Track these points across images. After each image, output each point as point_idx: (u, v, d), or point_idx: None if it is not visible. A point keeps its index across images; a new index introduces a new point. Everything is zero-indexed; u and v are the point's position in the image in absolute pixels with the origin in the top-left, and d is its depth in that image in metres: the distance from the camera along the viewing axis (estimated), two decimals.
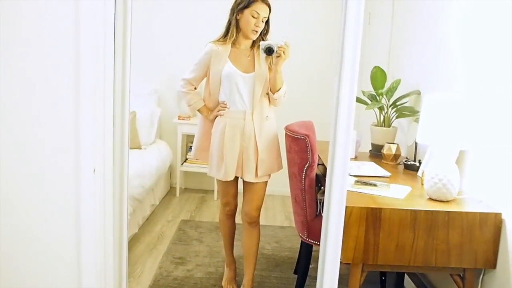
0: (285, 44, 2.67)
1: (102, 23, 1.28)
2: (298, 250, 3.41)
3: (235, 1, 2.82)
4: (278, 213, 4.78)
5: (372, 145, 3.51)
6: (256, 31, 2.80)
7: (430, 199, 2.38)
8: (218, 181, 3.00)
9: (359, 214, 2.22)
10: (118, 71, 1.31)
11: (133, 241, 3.76)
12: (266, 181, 2.99)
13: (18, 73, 1.23)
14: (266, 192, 3.02)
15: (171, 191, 5.27)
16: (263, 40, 2.86)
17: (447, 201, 2.34)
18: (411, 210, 2.22)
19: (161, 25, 5.20)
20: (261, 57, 2.76)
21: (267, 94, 2.85)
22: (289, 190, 2.98)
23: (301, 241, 3.07)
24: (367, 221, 2.22)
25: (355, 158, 3.36)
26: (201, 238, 3.95)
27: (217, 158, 2.90)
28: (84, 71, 1.24)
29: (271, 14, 2.82)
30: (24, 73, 1.23)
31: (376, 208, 2.22)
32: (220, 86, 2.88)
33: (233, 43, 2.87)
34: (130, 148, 4.41)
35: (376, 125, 3.48)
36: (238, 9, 2.79)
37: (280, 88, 2.81)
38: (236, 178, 2.96)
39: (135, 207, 3.65)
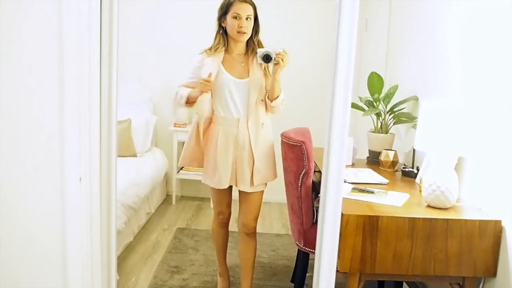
0: (283, 51, 2.61)
1: (87, 29, 1.24)
2: (295, 258, 3.37)
3: (218, 12, 2.79)
4: (275, 221, 4.73)
5: (369, 151, 3.47)
6: (243, 32, 2.71)
7: (429, 206, 2.34)
8: (212, 189, 2.94)
9: (356, 223, 2.17)
10: (104, 78, 1.27)
11: (127, 250, 3.70)
12: (262, 190, 2.92)
13: None
14: (263, 200, 2.97)
15: (167, 199, 5.22)
16: (254, 42, 2.80)
17: (446, 209, 2.30)
18: (409, 218, 2.18)
19: (155, 32, 5.17)
20: (257, 62, 2.68)
21: (263, 100, 2.78)
22: (285, 197, 2.94)
23: (298, 249, 3.02)
24: (364, 229, 2.18)
25: (352, 165, 3.31)
26: (197, 246, 3.90)
27: (211, 166, 2.83)
28: (68, 78, 1.20)
29: (258, 11, 2.76)
30: (5, 81, 1.19)
31: (373, 216, 2.17)
32: (214, 93, 2.81)
33: (226, 50, 2.82)
34: (125, 156, 4.44)
35: (373, 132, 3.44)
36: (220, 18, 2.77)
37: (278, 96, 2.74)
38: (230, 186, 2.90)
39: (130, 216, 3.60)
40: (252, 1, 2.75)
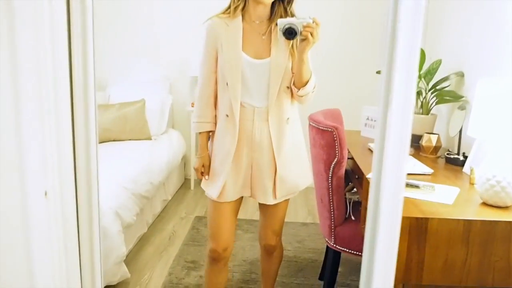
0: (313, 23, 1.91)
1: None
2: (324, 251, 3.04)
3: None
4: (300, 207, 4.39)
5: None
6: None
7: (485, 204, 1.98)
8: (210, 204, 2.24)
9: (400, 226, 1.82)
10: (77, 54, 0.93)
11: (141, 243, 3.42)
12: (288, 199, 2.31)
13: None
14: None
15: (185, 183, 4.92)
16: (283, 8, 2.08)
17: (506, 207, 1.94)
18: (464, 220, 1.82)
19: (168, 4, 4.79)
20: (281, 38, 1.98)
21: (288, 88, 2.11)
22: (312, 180, 2.59)
23: (327, 246, 2.69)
24: (410, 234, 1.83)
25: None
26: None
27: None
28: (24, 54, 0.87)
29: None
30: None
31: (421, 218, 1.82)
32: (219, 77, 2.14)
33: (243, 16, 2.10)
34: (139, 139, 4.13)
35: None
36: None
37: (307, 82, 2.05)
38: (238, 203, 2.26)
39: (143, 206, 3.30)
40: None
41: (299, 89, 2.05)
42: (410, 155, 2.83)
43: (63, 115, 0.97)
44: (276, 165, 2.13)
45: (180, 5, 4.73)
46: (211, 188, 2.19)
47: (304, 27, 1.91)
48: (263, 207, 2.31)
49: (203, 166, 2.22)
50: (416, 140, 2.95)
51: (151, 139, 4.23)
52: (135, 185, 3.19)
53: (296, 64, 2.03)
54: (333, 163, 2.37)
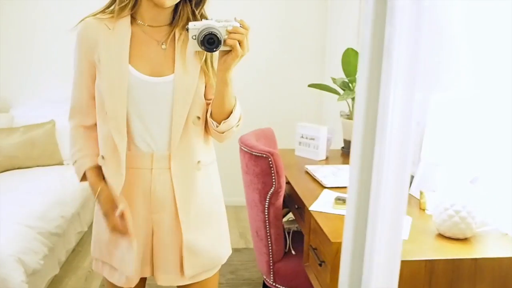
0: (241, 26, 1.39)
1: None
2: (261, 283, 2.75)
3: None
4: (231, 230, 4.06)
5: (345, 141, 2.97)
6: None
7: (441, 235, 1.76)
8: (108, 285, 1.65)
9: None
10: None
11: (52, 287, 2.97)
12: (216, 275, 1.66)
13: None
14: None
15: None
16: (190, 9, 1.52)
17: (465, 239, 1.73)
18: (426, 260, 1.59)
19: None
20: (190, 48, 1.46)
21: (199, 119, 1.53)
22: (242, 199, 2.31)
23: (264, 284, 2.41)
24: None
25: (326, 159, 2.79)
26: None
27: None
28: None
29: None
30: None
31: None
32: (99, 105, 1.51)
33: (133, 18, 1.51)
34: (49, 165, 3.68)
35: (348, 118, 2.88)
36: None
37: (231, 112, 1.51)
38: (143, 282, 1.66)
39: (53, 245, 2.87)
40: None
41: (219, 123, 1.51)
42: (343, 163, 2.66)
43: None
44: (181, 229, 1.52)
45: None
46: (107, 272, 1.60)
47: (229, 33, 1.36)
48: None
49: (112, 207, 1.49)
50: (349, 147, 2.74)
51: (63, 164, 3.79)
52: (42, 222, 2.77)
53: (216, 88, 1.47)
54: (270, 193, 2.10)
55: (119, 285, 1.55)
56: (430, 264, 1.59)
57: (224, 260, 1.66)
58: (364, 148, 0.65)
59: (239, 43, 1.37)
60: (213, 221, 1.62)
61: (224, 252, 1.66)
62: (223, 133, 1.53)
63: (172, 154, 1.49)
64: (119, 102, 1.45)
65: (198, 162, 1.54)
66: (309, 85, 3.11)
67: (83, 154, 1.56)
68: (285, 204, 2.48)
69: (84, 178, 1.56)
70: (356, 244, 0.81)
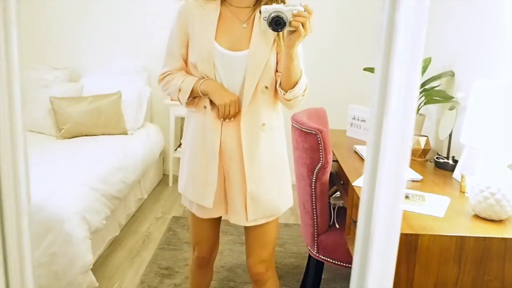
0: (305, 11, 1.60)
1: None
2: (307, 256, 2.89)
3: None
4: None
5: None
6: None
7: (477, 216, 1.84)
8: (190, 214, 2.01)
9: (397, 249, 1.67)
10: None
11: (113, 246, 3.23)
12: (275, 220, 1.95)
13: None
14: None
15: (163, 179, 4.73)
16: None
17: (500, 221, 1.80)
18: (457, 236, 1.68)
19: None
20: (261, 28, 1.67)
21: (267, 88, 1.79)
22: (295, 174, 2.42)
23: (310, 255, 2.54)
24: (399, 251, 1.66)
25: None
26: None
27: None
28: None
29: None
30: None
31: (411, 235, 1.67)
32: (194, 72, 1.84)
33: (222, 0, 1.80)
34: (114, 134, 3.91)
35: None
36: None
37: (296, 83, 1.73)
38: (218, 222, 2.04)
39: (114, 207, 3.10)
40: None
41: (286, 92, 1.73)
42: None
43: None
44: (246, 180, 1.80)
45: None
46: (189, 202, 1.94)
47: (294, 16, 1.58)
48: (246, 230, 1.95)
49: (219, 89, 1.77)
50: None
51: (127, 133, 4.02)
52: (105, 185, 2.99)
53: (283, 62, 1.70)
54: (317, 168, 2.21)
55: (200, 216, 1.91)
56: (461, 240, 1.67)
57: (282, 211, 1.92)
58: (377, 122, 0.76)
59: (302, 25, 1.58)
60: (274, 176, 1.87)
61: (282, 204, 1.92)
62: (290, 100, 1.76)
63: (242, 115, 1.76)
64: (209, 72, 1.76)
65: (263, 124, 1.80)
66: (364, 69, 3.19)
67: (189, 77, 1.82)
68: (333, 181, 2.59)
69: (190, 99, 1.82)
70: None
